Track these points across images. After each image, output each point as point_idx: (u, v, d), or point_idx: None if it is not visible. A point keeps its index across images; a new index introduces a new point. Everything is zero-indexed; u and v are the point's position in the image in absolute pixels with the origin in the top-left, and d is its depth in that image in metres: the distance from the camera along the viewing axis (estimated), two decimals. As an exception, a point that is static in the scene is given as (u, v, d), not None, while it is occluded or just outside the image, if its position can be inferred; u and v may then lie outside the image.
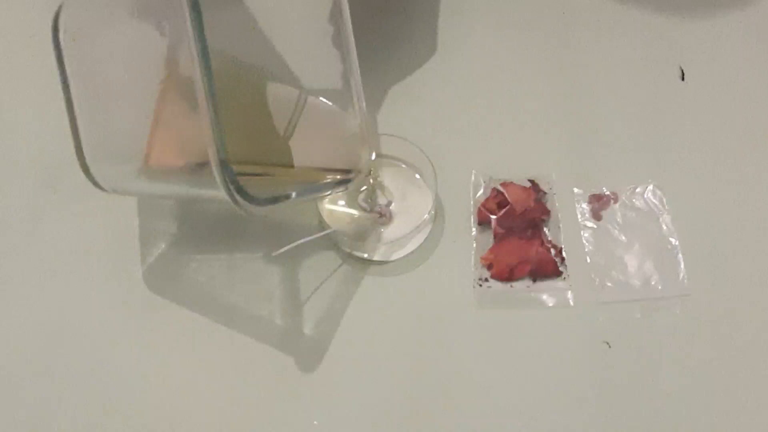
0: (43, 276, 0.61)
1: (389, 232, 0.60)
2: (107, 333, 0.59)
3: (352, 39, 0.55)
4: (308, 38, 0.57)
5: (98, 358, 0.58)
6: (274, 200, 0.45)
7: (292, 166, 0.55)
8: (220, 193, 0.42)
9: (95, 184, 0.51)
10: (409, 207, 0.60)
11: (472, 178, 0.63)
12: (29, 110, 0.68)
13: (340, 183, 0.55)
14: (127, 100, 0.49)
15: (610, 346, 0.57)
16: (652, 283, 0.59)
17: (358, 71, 0.56)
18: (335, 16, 0.55)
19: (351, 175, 0.55)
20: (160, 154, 0.48)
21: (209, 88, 0.41)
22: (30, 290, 0.61)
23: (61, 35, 0.48)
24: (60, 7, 0.49)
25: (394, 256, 0.60)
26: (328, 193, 0.55)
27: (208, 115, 0.41)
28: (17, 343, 0.59)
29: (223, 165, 0.41)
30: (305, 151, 0.56)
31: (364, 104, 0.56)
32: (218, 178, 0.41)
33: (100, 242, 0.62)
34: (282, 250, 0.53)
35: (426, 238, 0.61)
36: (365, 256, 0.60)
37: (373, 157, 0.57)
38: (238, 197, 0.42)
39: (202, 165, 0.43)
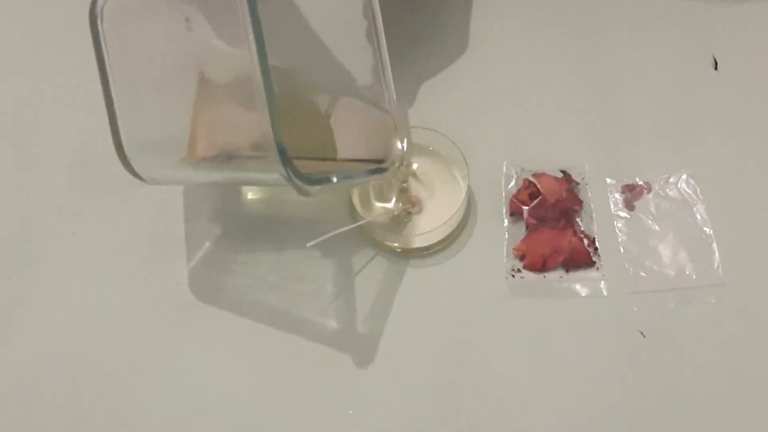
0: (82, 272, 0.62)
1: (421, 223, 0.60)
2: (149, 329, 0.60)
3: (382, 31, 0.56)
4: (342, 32, 0.58)
5: (141, 355, 0.59)
6: (320, 181, 0.47)
7: (327, 159, 0.56)
8: (271, 175, 0.44)
9: (134, 174, 0.52)
10: (441, 199, 0.61)
11: (504, 169, 0.63)
12: (65, 104, 0.69)
13: (376, 171, 0.55)
14: (165, 89, 0.50)
15: (644, 336, 0.57)
16: (687, 272, 0.59)
17: (389, 63, 0.56)
18: (368, 10, 0.55)
19: (386, 164, 0.56)
20: (207, 141, 0.49)
21: (265, 73, 0.42)
22: (70, 286, 0.62)
23: (98, 22, 0.49)
24: None
25: (426, 248, 0.60)
26: (366, 180, 0.55)
27: (265, 101, 0.42)
28: (58, 340, 0.60)
29: (280, 145, 0.43)
30: (340, 143, 0.56)
31: (394, 95, 0.57)
32: (276, 158, 0.43)
33: (139, 238, 0.63)
34: (315, 241, 0.53)
35: (458, 229, 0.61)
36: (397, 247, 0.61)
37: (406, 146, 0.57)
38: (293, 177, 0.44)
39: (252, 149, 0.45)
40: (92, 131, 0.65)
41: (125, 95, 0.50)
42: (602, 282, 0.59)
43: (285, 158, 0.44)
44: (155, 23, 0.49)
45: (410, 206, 0.60)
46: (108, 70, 0.50)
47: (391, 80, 0.57)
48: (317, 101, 0.57)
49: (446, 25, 0.71)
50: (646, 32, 0.69)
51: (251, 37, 0.42)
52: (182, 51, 0.49)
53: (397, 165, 0.56)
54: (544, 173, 0.62)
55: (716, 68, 0.67)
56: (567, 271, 0.59)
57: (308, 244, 0.54)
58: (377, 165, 0.56)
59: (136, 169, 0.52)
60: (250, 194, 0.64)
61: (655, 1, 0.71)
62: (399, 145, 0.57)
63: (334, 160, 0.56)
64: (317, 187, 0.47)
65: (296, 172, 0.45)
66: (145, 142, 0.52)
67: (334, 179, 0.49)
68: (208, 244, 0.62)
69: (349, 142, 0.57)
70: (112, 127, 0.51)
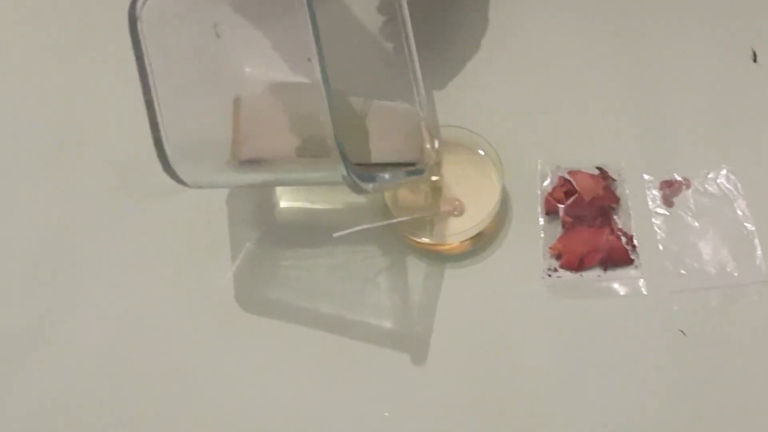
0: (125, 275, 0.63)
1: (456, 223, 0.60)
2: (192, 332, 0.60)
3: (410, 31, 0.55)
4: (369, 34, 0.58)
5: (185, 358, 0.59)
6: (373, 179, 0.49)
7: (365, 164, 0.56)
8: (322, 174, 0.47)
9: (175, 177, 0.52)
10: (476, 198, 0.60)
11: (539, 167, 0.63)
12: (107, 108, 0.69)
13: (415, 172, 0.55)
14: (206, 92, 0.50)
15: (685, 335, 0.56)
16: (728, 269, 0.58)
17: (418, 63, 0.56)
18: (385, 7, 0.55)
19: (422, 165, 0.56)
20: (255, 144, 0.49)
21: (324, 76, 0.43)
22: (113, 289, 0.62)
23: (137, 26, 0.49)
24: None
25: (462, 248, 0.60)
26: (407, 180, 0.55)
27: (326, 103, 0.44)
28: (101, 343, 0.60)
29: (341, 145, 0.45)
30: (375, 147, 0.56)
31: (425, 97, 0.57)
32: (336, 157, 0.45)
33: (182, 242, 0.63)
34: (344, 232, 0.53)
35: (493, 229, 0.61)
36: (432, 247, 0.60)
37: (438, 146, 0.57)
38: (353, 175, 0.46)
39: (305, 151, 0.47)
40: (134, 135, 0.65)
41: (166, 99, 0.50)
42: (641, 280, 0.58)
43: (345, 157, 0.45)
44: (194, 27, 0.50)
45: (452, 209, 0.60)
46: (149, 73, 0.50)
47: (422, 81, 0.56)
48: (352, 105, 0.57)
49: (476, 20, 0.70)
50: (683, 24, 0.68)
51: (313, 42, 0.43)
52: (223, 54, 0.49)
53: (432, 165, 0.56)
54: (579, 171, 0.62)
55: (755, 60, 0.66)
56: (605, 269, 0.59)
57: (335, 234, 0.53)
58: (415, 167, 0.56)
59: (178, 172, 0.51)
60: (283, 203, 0.64)
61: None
62: (431, 145, 0.57)
63: (372, 164, 0.56)
64: (370, 185, 0.48)
65: (355, 171, 0.46)
66: (187, 146, 0.52)
67: (386, 177, 0.51)
68: (248, 247, 0.62)
69: (383, 146, 0.57)
70: (153, 131, 0.50)
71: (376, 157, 0.55)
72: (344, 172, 0.45)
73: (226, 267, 0.62)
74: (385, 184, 0.52)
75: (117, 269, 0.63)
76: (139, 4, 0.49)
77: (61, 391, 0.59)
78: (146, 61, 0.49)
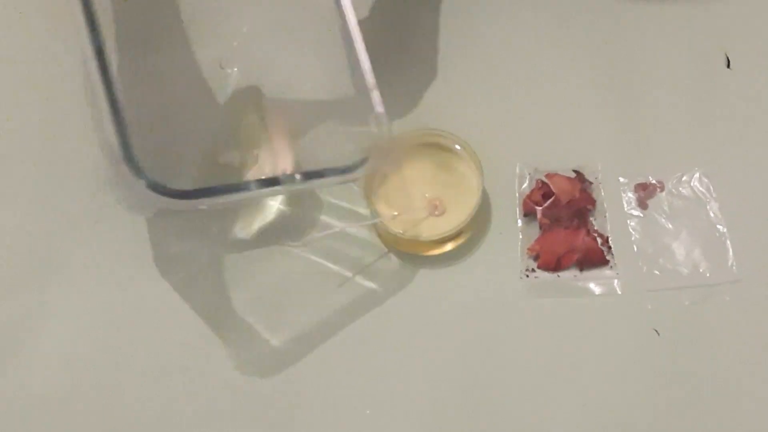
0: (107, 279, 0.63)
1: (436, 224, 0.61)
2: (172, 333, 0.61)
3: (358, 32, 0.55)
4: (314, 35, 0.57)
5: (168, 361, 0.60)
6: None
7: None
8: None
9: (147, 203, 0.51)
10: (456, 199, 0.61)
11: (517, 170, 0.64)
12: (84, 110, 0.67)
13: (345, 171, 0.53)
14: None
15: (659, 334, 0.57)
16: (701, 270, 0.59)
17: (367, 58, 0.55)
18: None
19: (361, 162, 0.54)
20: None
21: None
22: (95, 293, 0.62)
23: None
24: None
25: (441, 249, 0.61)
26: (336, 179, 0.53)
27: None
28: (83, 346, 0.61)
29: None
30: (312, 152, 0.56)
31: (379, 97, 0.56)
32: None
33: (162, 245, 0.63)
34: (322, 234, 0.53)
35: (472, 230, 0.62)
36: (412, 249, 0.62)
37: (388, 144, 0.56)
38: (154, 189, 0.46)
39: None
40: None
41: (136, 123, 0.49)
42: (616, 280, 0.59)
43: (139, 170, 0.45)
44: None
45: (433, 210, 0.61)
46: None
47: (372, 80, 0.55)
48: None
49: (454, 24, 0.70)
50: (657, 31, 0.69)
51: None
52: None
53: (374, 162, 0.54)
54: (557, 173, 0.63)
55: (729, 66, 0.67)
56: (581, 270, 0.60)
57: (317, 235, 0.54)
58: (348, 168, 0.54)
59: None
60: (264, 206, 0.65)
61: None
62: (379, 142, 0.55)
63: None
64: (186, 201, 0.47)
65: (154, 185, 0.46)
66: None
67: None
68: (224, 252, 0.63)
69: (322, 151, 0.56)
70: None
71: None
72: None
73: (205, 271, 0.62)
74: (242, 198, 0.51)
75: (95, 271, 0.63)
76: None
77: (35, 394, 0.59)
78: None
